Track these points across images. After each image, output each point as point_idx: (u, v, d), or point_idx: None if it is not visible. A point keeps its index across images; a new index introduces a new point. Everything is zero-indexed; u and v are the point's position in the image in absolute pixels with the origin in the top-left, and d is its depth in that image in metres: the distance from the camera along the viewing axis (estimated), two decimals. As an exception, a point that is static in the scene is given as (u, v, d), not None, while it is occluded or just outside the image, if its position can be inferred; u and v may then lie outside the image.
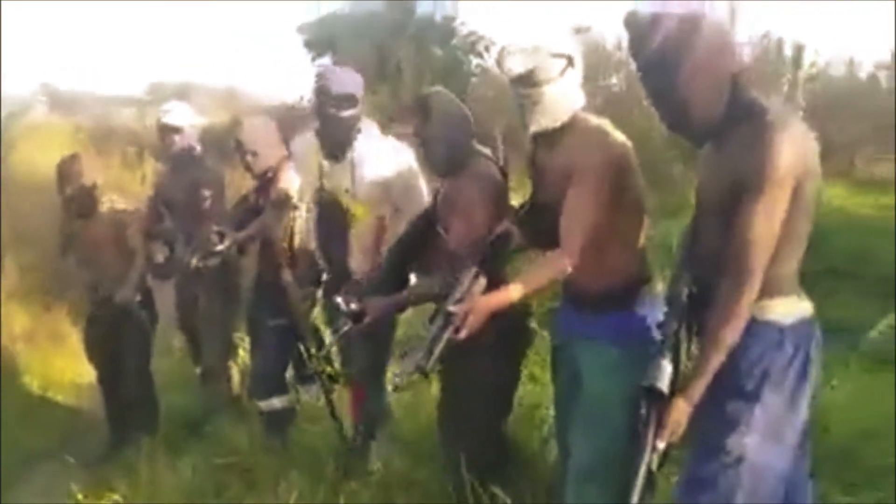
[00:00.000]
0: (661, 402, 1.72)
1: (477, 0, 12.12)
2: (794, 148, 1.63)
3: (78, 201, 3.94)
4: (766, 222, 1.65)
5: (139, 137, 10.23)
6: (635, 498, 1.69)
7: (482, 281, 2.23)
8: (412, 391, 3.83)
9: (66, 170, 3.92)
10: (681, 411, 1.72)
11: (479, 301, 2.13)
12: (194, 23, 21.76)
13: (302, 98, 10.28)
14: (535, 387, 3.36)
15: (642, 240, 2.35)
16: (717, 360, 1.71)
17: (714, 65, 1.72)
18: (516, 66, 2.18)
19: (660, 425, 1.71)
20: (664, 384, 1.71)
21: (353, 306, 2.48)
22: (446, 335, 2.08)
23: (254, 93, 11.79)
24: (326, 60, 10.89)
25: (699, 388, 1.72)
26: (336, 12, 11.04)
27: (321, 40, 10.92)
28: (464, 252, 2.38)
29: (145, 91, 14.64)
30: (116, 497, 3.04)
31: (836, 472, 2.44)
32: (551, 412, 2.91)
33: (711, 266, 1.76)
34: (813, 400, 1.85)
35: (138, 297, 4.00)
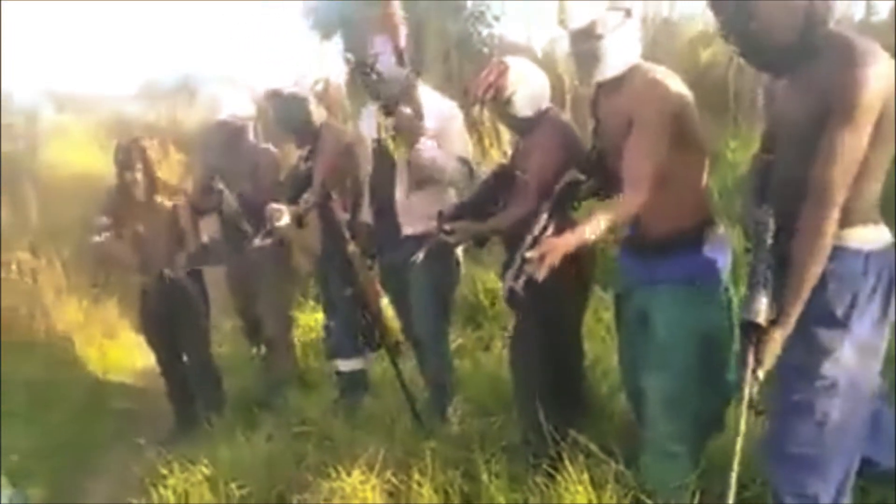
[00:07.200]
0: (757, 335, 1.77)
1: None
2: (881, 77, 1.67)
3: (143, 184, 4.00)
4: (851, 149, 1.69)
5: (159, 130, 10.27)
6: (742, 427, 1.76)
7: (551, 227, 2.37)
8: (470, 358, 3.94)
9: (127, 154, 3.97)
10: (777, 342, 1.78)
11: (553, 242, 2.21)
12: (188, 16, 21.51)
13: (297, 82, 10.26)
14: (592, 343, 3.45)
15: (704, 182, 2.44)
16: (807, 289, 1.76)
17: None
18: (577, 20, 2.29)
19: (758, 359, 1.77)
20: (762, 318, 1.76)
21: (447, 227, 2.76)
22: (522, 279, 2.25)
23: (255, 82, 11.67)
24: (337, 41, 10.88)
25: (793, 319, 1.77)
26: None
27: (328, 22, 10.90)
28: (538, 190, 2.55)
29: (142, 88, 14.52)
30: (202, 468, 3.13)
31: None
32: (613, 365, 3.01)
33: (792, 197, 1.80)
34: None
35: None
